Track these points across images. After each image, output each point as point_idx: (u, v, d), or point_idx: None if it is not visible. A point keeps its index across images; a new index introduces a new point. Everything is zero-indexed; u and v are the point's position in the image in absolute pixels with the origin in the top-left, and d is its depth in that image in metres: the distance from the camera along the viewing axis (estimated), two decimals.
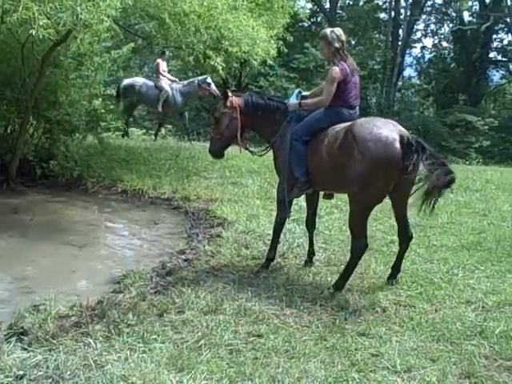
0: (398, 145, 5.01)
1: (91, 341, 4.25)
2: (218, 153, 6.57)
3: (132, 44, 14.08)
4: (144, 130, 18.80)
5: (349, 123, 5.41)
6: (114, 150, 13.49)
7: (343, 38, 5.65)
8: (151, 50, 16.31)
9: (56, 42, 9.39)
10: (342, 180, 5.34)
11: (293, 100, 6.07)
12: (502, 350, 4.22)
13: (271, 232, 6.26)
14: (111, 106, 13.46)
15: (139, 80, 16.25)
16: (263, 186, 10.63)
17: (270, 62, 12.58)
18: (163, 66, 15.73)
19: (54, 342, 4.25)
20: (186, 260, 6.50)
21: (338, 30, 5.70)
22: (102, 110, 12.84)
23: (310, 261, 6.29)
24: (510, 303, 5.15)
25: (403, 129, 5.27)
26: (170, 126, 20.36)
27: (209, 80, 15.07)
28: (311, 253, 6.35)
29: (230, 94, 6.22)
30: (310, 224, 6.45)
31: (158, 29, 10.62)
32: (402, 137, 5.05)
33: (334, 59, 5.62)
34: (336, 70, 5.53)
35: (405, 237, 5.70)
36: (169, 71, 16.52)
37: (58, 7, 6.96)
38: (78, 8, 6.99)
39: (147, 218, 9.23)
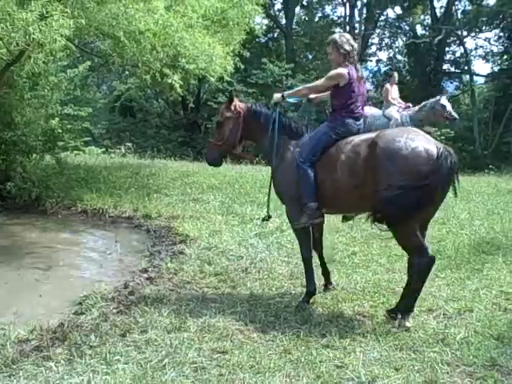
0: (436, 157, 4.62)
1: (52, 364, 4.17)
2: (216, 160, 5.94)
3: (88, 62, 13.99)
4: (103, 149, 18.64)
5: (368, 136, 5.02)
6: (73, 170, 13.37)
7: (353, 42, 5.32)
8: (108, 69, 16.14)
9: (9, 62, 9.26)
10: (372, 200, 4.84)
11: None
12: (463, 356, 4.28)
13: (234, 247, 6.21)
14: (68, 126, 13.29)
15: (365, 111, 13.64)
16: (225, 202, 10.64)
17: (227, 78, 12.63)
18: (393, 91, 12.78)
19: (14, 367, 4.16)
20: (148, 278, 6.43)
21: (348, 35, 5.40)
22: (60, 130, 12.67)
23: (329, 283, 5.83)
24: (470, 309, 5.24)
25: (431, 138, 4.90)
26: (129, 144, 20.25)
27: (443, 101, 11.69)
28: (327, 278, 5.86)
29: (235, 97, 5.76)
30: (317, 247, 5.78)
31: (113, 47, 10.56)
32: (438, 148, 4.68)
33: (343, 63, 5.25)
34: (342, 70, 5.18)
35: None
36: (127, 89, 16.36)
37: (10, 27, 6.88)
38: (31, 28, 6.92)
39: (108, 237, 9.13)
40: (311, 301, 5.47)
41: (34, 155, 12.30)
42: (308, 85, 5.48)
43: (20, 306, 5.73)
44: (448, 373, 4.06)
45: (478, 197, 11.35)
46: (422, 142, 4.71)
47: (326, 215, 5.58)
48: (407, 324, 4.81)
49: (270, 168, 5.79)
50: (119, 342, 4.58)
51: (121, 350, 4.41)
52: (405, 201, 4.64)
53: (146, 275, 6.57)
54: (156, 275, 6.52)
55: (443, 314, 5.15)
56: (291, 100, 5.66)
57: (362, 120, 5.38)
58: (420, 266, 4.82)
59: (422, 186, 4.59)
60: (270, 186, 5.70)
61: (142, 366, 4.15)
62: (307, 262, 5.54)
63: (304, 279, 5.92)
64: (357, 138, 5.08)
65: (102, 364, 4.17)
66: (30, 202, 11.20)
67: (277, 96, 5.55)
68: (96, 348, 4.45)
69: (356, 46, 5.37)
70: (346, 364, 4.18)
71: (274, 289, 5.95)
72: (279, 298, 5.66)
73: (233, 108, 5.68)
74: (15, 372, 4.08)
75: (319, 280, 5.80)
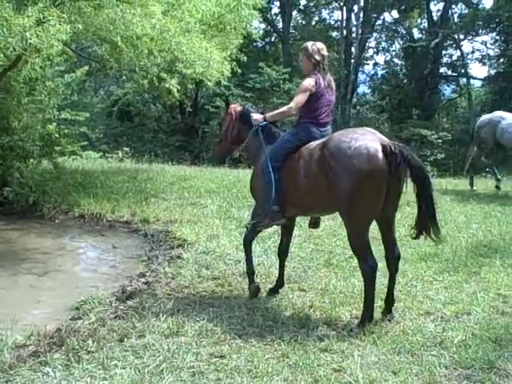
0: (381, 155, 4.71)
1: (50, 370, 4.16)
2: (217, 157, 6.71)
3: (86, 67, 13.99)
4: (101, 153, 18.62)
5: (323, 139, 5.16)
6: (70, 174, 13.35)
7: (324, 52, 5.47)
8: (106, 73, 16.13)
9: (6, 68, 9.27)
10: (327, 201, 5.05)
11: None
12: (461, 359, 4.28)
13: (232, 252, 6.23)
14: (65, 130, 13.29)
15: (505, 115, 12.24)
16: (222, 206, 10.63)
17: (224, 82, 12.65)
18: None
19: (12, 372, 4.15)
20: (146, 283, 6.43)
21: (320, 44, 5.52)
22: (57, 135, 12.67)
23: (276, 290, 5.94)
24: (467, 312, 5.24)
25: (384, 137, 4.97)
26: (126, 149, 20.27)
27: None
28: (280, 284, 5.99)
29: (230, 101, 6.37)
30: (283, 253, 6.05)
31: (110, 52, 10.57)
32: (384, 146, 4.76)
33: (312, 72, 5.42)
34: (309, 81, 5.34)
35: (393, 257, 5.21)
36: (124, 94, 16.38)
37: (7, 32, 6.88)
38: (28, 33, 6.92)
39: (106, 241, 9.13)
40: (309, 304, 5.49)
41: (31, 160, 12.29)
42: (289, 105, 5.52)
43: (17, 312, 5.70)
44: (446, 376, 4.06)
45: (475, 200, 11.36)
46: (367, 141, 4.80)
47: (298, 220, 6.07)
48: (355, 330, 4.82)
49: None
50: (117, 346, 4.57)
51: (118, 354, 4.39)
52: (350, 200, 4.79)
53: (143, 280, 6.56)
54: (154, 280, 6.51)
55: (441, 317, 5.15)
56: (272, 119, 5.80)
57: (328, 127, 5.53)
58: (364, 271, 4.95)
59: (366, 184, 4.71)
60: None
61: (139, 370, 4.14)
62: (247, 250, 6.00)
63: (302, 282, 5.97)
64: (315, 143, 5.25)
65: (100, 369, 4.16)
66: (28, 207, 11.19)
67: (258, 118, 5.75)
68: (93, 353, 4.44)
69: (326, 55, 5.53)
70: (343, 368, 4.17)
71: (271, 293, 5.94)
72: (277, 302, 5.65)
73: (229, 110, 6.18)
74: (12, 377, 4.07)
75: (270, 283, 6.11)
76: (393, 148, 4.76)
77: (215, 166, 16.55)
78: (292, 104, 5.44)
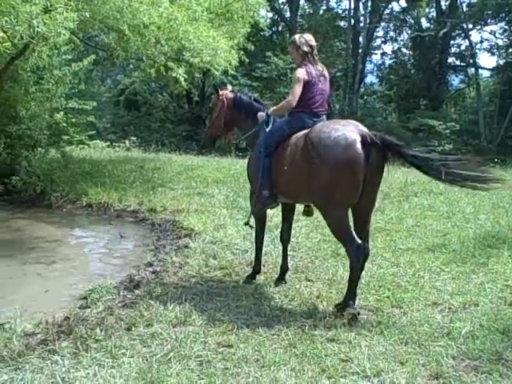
0: (359, 145, 4.78)
1: (58, 358, 4.18)
2: (206, 140, 6.79)
3: (93, 56, 13.98)
4: (108, 143, 18.65)
5: (309, 129, 5.23)
6: (78, 164, 13.38)
7: (313, 43, 5.52)
8: (113, 62, 16.12)
9: (13, 56, 9.27)
10: (309, 190, 5.12)
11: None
12: (468, 350, 4.27)
13: (239, 241, 6.25)
14: (73, 119, 13.32)
15: None
16: (229, 196, 10.63)
17: (231, 71, 12.62)
18: None
19: (20, 360, 4.17)
20: (153, 272, 6.45)
21: (308, 36, 5.57)
22: (64, 124, 12.70)
23: (282, 277, 5.98)
24: (475, 303, 5.23)
25: (365, 128, 5.04)
26: (134, 138, 20.29)
27: None
28: (284, 269, 6.05)
29: (220, 89, 6.35)
30: (285, 238, 6.14)
31: (117, 41, 10.56)
32: (363, 136, 4.82)
33: (302, 63, 5.49)
34: (300, 71, 5.40)
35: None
36: (131, 83, 16.30)
37: (14, 20, 6.87)
38: (35, 21, 6.92)
39: (113, 231, 9.15)
40: (317, 294, 5.50)
41: (39, 149, 12.36)
42: (287, 99, 5.58)
43: (25, 300, 5.74)
44: (453, 367, 4.05)
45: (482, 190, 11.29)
46: (346, 132, 4.89)
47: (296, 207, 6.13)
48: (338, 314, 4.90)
49: None
50: (124, 335, 4.59)
51: (126, 343, 4.42)
52: (328, 188, 4.90)
53: (150, 269, 6.59)
54: (161, 269, 6.53)
55: (448, 308, 5.14)
56: (276, 117, 5.87)
57: (323, 117, 5.56)
58: (350, 254, 5.00)
59: (343, 173, 4.80)
60: None
61: (147, 359, 4.16)
62: (258, 245, 6.11)
63: (309, 272, 5.97)
64: (302, 132, 5.32)
65: (108, 357, 4.18)
66: (35, 196, 11.25)
67: (261, 115, 5.85)
68: (101, 341, 4.46)
69: (315, 45, 5.56)
70: (351, 358, 4.18)
71: (278, 282, 5.94)
72: (284, 292, 5.65)
73: (220, 97, 6.26)
74: (21, 365, 4.10)
75: (277, 273, 6.16)
76: (373, 138, 4.83)
77: (222, 155, 16.55)
78: (290, 97, 5.50)
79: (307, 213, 6.12)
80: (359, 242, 4.94)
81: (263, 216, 6.09)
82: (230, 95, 6.26)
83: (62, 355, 4.24)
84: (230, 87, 6.59)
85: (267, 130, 5.71)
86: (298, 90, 5.39)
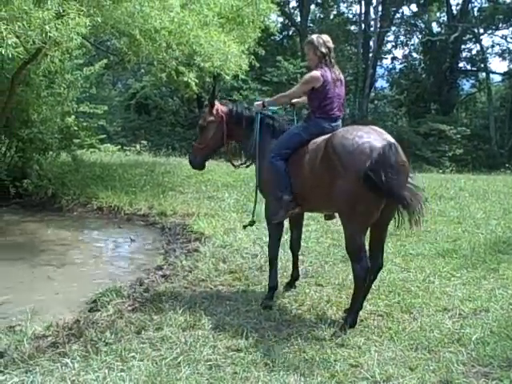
0: (379, 155, 4.45)
1: (68, 361, 4.19)
2: (199, 164, 6.09)
3: (104, 60, 14.08)
4: (119, 147, 18.74)
5: (329, 135, 4.91)
6: (89, 167, 13.44)
7: (330, 44, 5.25)
8: (124, 67, 16.20)
9: (26, 61, 9.34)
10: (329, 199, 4.82)
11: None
12: (479, 357, 4.24)
13: (249, 246, 6.21)
14: (84, 123, 13.40)
15: None
16: (239, 200, 10.65)
17: (242, 76, 12.65)
18: None
19: (31, 363, 4.19)
20: (163, 276, 6.46)
21: (326, 37, 5.30)
22: (75, 128, 12.78)
23: (292, 284, 5.90)
24: (485, 309, 5.20)
25: (390, 137, 4.72)
26: (144, 142, 20.37)
27: None
28: (295, 277, 5.94)
29: (216, 102, 5.83)
30: (295, 247, 5.97)
31: (129, 45, 10.61)
32: (390, 146, 4.51)
33: (318, 65, 5.21)
34: (315, 73, 5.13)
35: (374, 266, 4.93)
36: (142, 87, 16.39)
37: (27, 26, 6.92)
38: (47, 26, 6.96)
39: (124, 234, 9.18)
40: (326, 299, 5.48)
41: (50, 152, 12.43)
42: (286, 92, 5.48)
43: (36, 303, 5.76)
44: (463, 373, 4.03)
45: (494, 196, 11.26)
46: (371, 140, 4.57)
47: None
48: (338, 333, 4.69)
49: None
50: (134, 339, 4.60)
51: (136, 347, 4.42)
52: (350, 197, 4.59)
53: (161, 272, 6.60)
54: (171, 273, 6.55)
55: (459, 314, 5.12)
56: (273, 108, 5.72)
57: (339, 121, 5.32)
58: (355, 272, 4.77)
59: (367, 182, 4.44)
60: (256, 190, 5.78)
61: (157, 363, 4.16)
62: (272, 260, 5.64)
63: (318, 277, 5.95)
64: (321, 138, 5.03)
65: (118, 361, 4.19)
66: (46, 200, 11.31)
67: (258, 104, 5.64)
68: (111, 345, 4.47)
69: (332, 47, 5.31)
70: (360, 363, 4.16)
71: (288, 287, 5.94)
72: (294, 297, 5.65)
73: (215, 112, 5.75)
74: (32, 368, 4.11)
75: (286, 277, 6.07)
76: (397, 147, 4.56)
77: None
78: (287, 92, 5.41)
79: (329, 217, 5.89)
80: (368, 264, 4.73)
81: (281, 229, 5.66)
82: (225, 109, 5.80)
83: (72, 358, 4.24)
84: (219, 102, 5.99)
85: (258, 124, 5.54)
86: (300, 89, 5.29)
